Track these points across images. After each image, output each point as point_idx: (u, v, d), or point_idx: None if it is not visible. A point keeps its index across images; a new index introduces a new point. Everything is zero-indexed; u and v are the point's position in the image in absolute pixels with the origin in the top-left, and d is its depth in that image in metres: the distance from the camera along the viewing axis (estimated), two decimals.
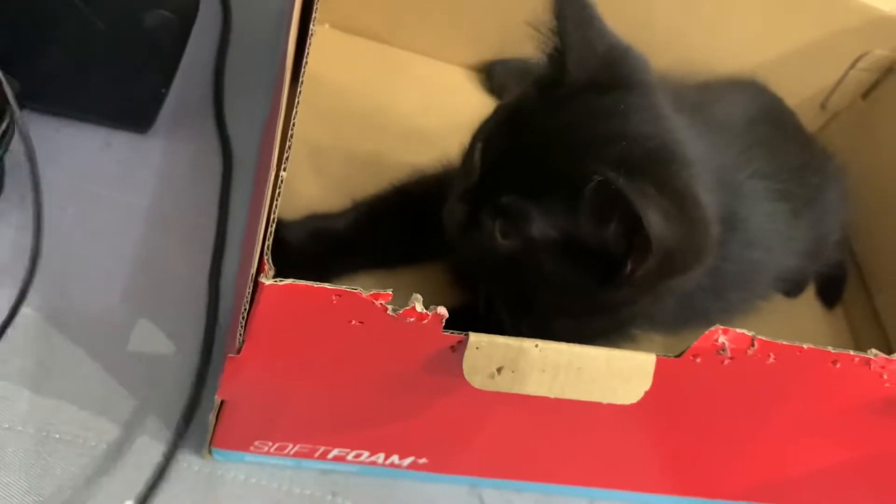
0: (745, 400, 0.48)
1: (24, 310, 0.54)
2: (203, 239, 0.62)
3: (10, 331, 0.52)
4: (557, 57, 0.52)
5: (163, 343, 0.56)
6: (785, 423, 0.51)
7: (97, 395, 0.53)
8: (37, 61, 0.58)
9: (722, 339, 0.41)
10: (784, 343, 0.42)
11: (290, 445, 0.51)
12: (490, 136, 0.54)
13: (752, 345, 0.42)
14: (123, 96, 0.62)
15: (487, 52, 0.78)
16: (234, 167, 0.66)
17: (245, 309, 0.38)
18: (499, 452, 0.54)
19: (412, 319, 0.38)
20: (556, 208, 0.49)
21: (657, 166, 0.49)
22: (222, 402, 0.47)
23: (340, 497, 0.55)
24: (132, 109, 0.63)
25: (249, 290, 0.38)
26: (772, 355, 0.42)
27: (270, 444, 0.51)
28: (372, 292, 0.37)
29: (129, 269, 0.59)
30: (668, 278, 0.50)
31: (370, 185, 0.63)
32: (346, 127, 0.70)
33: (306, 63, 0.45)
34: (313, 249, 0.58)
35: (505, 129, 0.54)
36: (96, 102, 0.62)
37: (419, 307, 0.38)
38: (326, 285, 0.37)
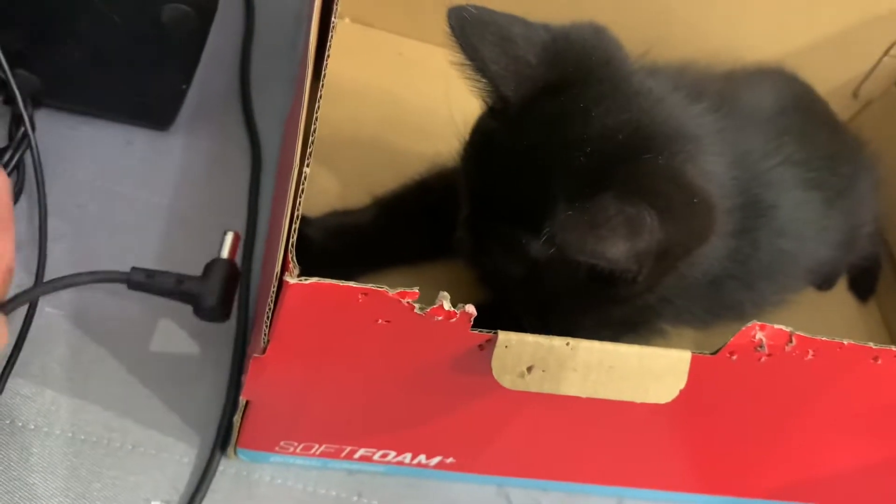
0: (782, 397, 0.46)
1: (47, 309, 0.54)
2: None
3: (32, 330, 0.53)
4: (489, 86, 0.49)
5: (186, 343, 0.56)
6: (822, 421, 0.49)
7: (121, 396, 0.53)
8: (55, 58, 0.58)
9: (759, 335, 0.40)
10: (824, 339, 0.40)
11: (316, 446, 0.51)
12: (467, 163, 0.53)
13: (791, 341, 0.40)
14: (143, 93, 0.62)
15: None
16: (263, 163, 0.66)
17: (270, 308, 0.38)
18: (527, 452, 0.53)
19: (440, 318, 0.37)
20: (542, 233, 0.46)
21: (626, 162, 0.47)
22: (247, 403, 0.46)
23: (366, 498, 0.54)
24: (152, 106, 0.63)
25: (274, 289, 0.37)
26: (811, 352, 0.41)
27: (296, 444, 0.50)
28: (398, 290, 0.36)
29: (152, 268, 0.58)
30: (674, 264, 0.48)
31: (389, 179, 0.63)
32: (364, 121, 0.69)
33: (328, 57, 0.44)
34: (336, 247, 0.58)
35: (477, 156, 0.52)
36: (115, 99, 0.62)
37: (447, 305, 0.37)
38: (352, 284, 0.36)
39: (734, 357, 0.41)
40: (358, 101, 0.69)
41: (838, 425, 0.50)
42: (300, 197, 0.38)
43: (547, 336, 0.39)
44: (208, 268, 0.49)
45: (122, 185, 0.61)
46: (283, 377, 0.43)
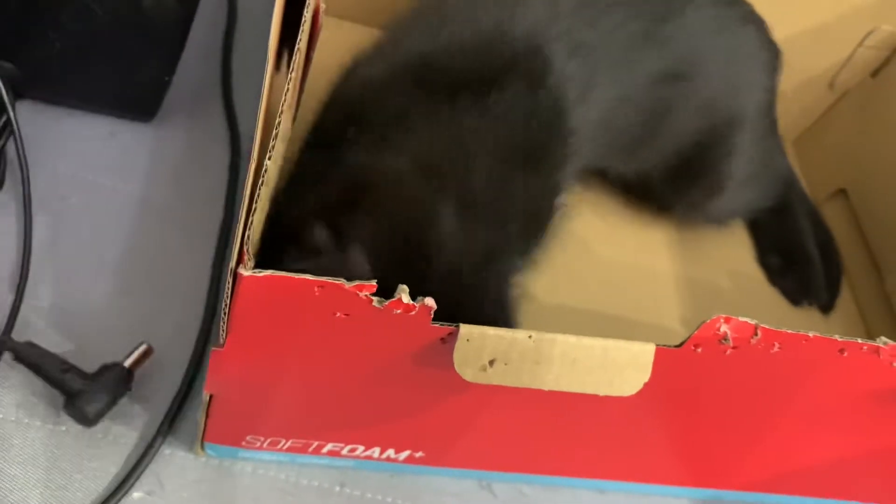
0: (749, 390, 0.46)
1: (27, 301, 0.54)
2: (209, 230, 0.62)
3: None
4: None
5: (167, 335, 0.56)
6: (792, 414, 0.49)
7: None
8: (35, 49, 0.58)
9: (724, 327, 0.40)
10: (789, 332, 0.40)
11: (283, 441, 0.50)
12: None
13: (756, 334, 0.40)
14: (125, 84, 0.62)
15: None
16: (241, 155, 0.66)
17: (226, 301, 0.38)
18: (501, 445, 0.53)
19: (399, 311, 0.37)
20: None
21: None
22: (211, 397, 0.46)
23: (349, 488, 0.54)
24: (135, 97, 0.63)
25: (229, 281, 0.37)
26: (776, 344, 0.40)
27: (262, 439, 0.50)
28: (355, 283, 0.36)
29: (133, 260, 0.58)
30: None
31: None
32: None
33: (298, 50, 0.44)
34: None
35: None
36: (97, 91, 0.62)
37: (405, 298, 0.37)
38: (308, 276, 0.36)
39: (699, 349, 0.40)
40: None
41: (807, 418, 0.49)
42: (258, 189, 0.38)
43: (509, 329, 0.39)
44: (103, 370, 0.50)
45: (105, 177, 0.62)
46: (244, 371, 0.43)
